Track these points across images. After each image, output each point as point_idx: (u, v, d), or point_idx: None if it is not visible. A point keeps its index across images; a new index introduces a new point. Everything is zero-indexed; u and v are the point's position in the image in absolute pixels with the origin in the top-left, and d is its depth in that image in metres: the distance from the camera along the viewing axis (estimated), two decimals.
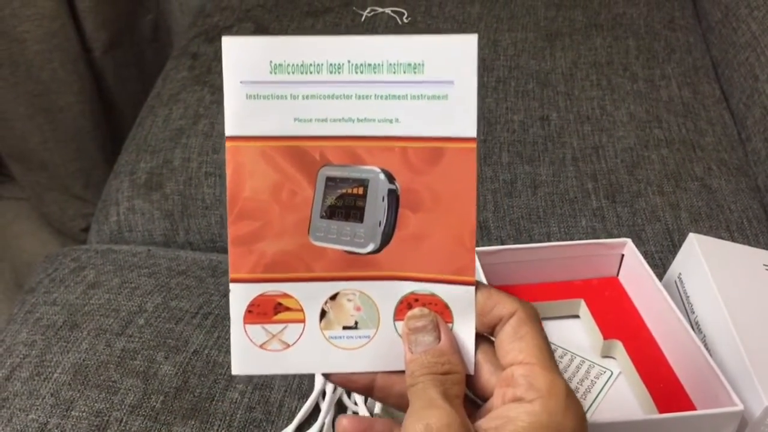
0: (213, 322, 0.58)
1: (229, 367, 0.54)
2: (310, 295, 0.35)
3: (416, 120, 0.35)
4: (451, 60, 0.34)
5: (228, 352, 0.56)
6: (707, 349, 0.49)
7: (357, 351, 0.36)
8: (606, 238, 0.60)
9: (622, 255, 0.59)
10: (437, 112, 0.35)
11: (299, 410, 0.51)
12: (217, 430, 0.50)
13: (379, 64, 0.34)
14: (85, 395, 0.52)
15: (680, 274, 0.58)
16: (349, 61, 0.34)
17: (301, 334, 0.36)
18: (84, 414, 0.50)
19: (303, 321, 0.36)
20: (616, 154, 0.73)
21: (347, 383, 0.37)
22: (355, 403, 0.51)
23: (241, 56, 0.34)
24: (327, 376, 0.37)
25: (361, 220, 0.35)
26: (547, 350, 0.35)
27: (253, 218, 0.35)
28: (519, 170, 0.72)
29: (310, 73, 0.35)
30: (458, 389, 0.35)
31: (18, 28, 1.02)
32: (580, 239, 0.70)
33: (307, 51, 0.35)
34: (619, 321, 0.56)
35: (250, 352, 0.35)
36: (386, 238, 0.35)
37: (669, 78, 0.81)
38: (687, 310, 0.56)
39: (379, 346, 0.36)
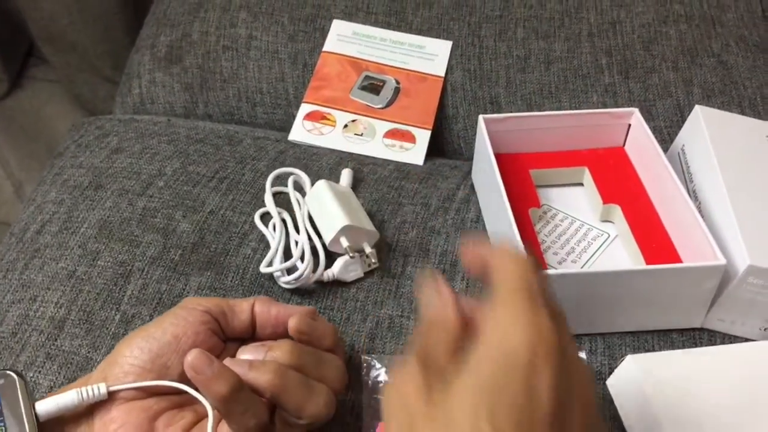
0: (228, 186, 0.61)
1: (242, 225, 0.58)
2: (341, 116, 0.69)
3: (417, 64, 0.72)
4: (436, 45, 0.73)
5: (241, 212, 0.59)
6: (701, 214, 0.51)
7: (360, 145, 0.67)
8: None
9: (629, 125, 0.60)
10: (427, 63, 0.72)
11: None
12: (231, 280, 0.54)
13: (402, 42, 0.73)
14: (109, 247, 0.55)
15: (683, 145, 0.59)
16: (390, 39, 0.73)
17: (331, 131, 0.67)
18: (109, 263, 0.54)
19: (334, 126, 0.67)
20: (633, 30, 0.72)
21: None
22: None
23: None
24: None
25: (378, 94, 0.71)
26: (506, 284, 0.32)
27: (323, 80, 0.71)
28: (533, 46, 0.72)
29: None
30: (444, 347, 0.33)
31: None
32: None
33: None
34: (620, 188, 0.58)
35: (302, 132, 0.67)
36: (389, 104, 0.70)
37: None
38: (686, 180, 0.57)
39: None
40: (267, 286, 0.54)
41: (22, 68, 1.47)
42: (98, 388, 0.40)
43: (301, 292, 0.53)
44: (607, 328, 0.51)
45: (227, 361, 0.39)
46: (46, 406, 0.39)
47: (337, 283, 0.54)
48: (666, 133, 0.67)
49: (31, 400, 0.39)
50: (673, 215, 0.54)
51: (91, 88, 1.30)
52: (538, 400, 0.29)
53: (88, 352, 0.49)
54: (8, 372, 0.40)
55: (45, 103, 1.41)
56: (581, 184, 0.61)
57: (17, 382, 0.39)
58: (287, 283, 0.53)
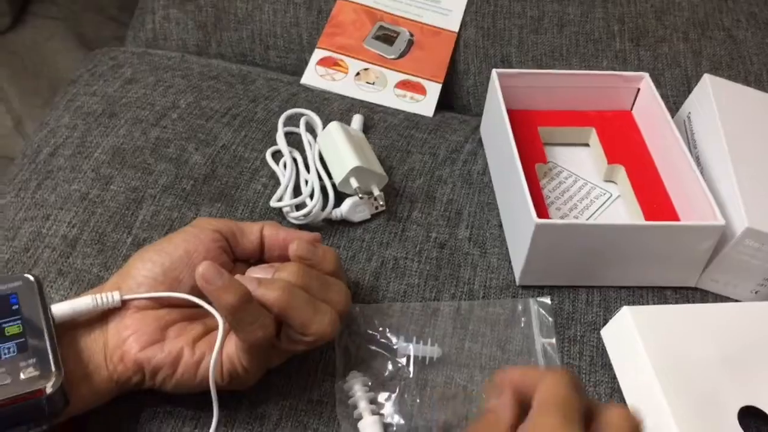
0: (240, 123, 0.61)
1: (253, 161, 0.58)
2: (354, 64, 0.69)
3: (431, 18, 0.72)
4: (451, 1, 0.73)
5: (253, 149, 0.59)
6: (704, 179, 0.52)
7: (371, 93, 0.68)
8: None
9: (638, 89, 0.61)
10: (441, 18, 0.72)
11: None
12: (241, 213, 0.55)
13: None
14: (122, 173, 0.56)
15: (690, 113, 0.60)
16: None
17: (344, 78, 0.68)
18: (121, 189, 0.55)
19: (346, 73, 0.68)
20: None
21: None
22: None
23: None
24: None
25: (392, 44, 0.71)
26: (554, 398, 0.34)
27: (337, 27, 0.72)
28: (548, 8, 0.73)
29: None
30: None
31: None
32: None
33: None
34: (625, 149, 0.59)
35: (315, 77, 0.68)
36: (401, 55, 0.70)
37: None
38: (690, 146, 0.59)
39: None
40: (276, 221, 0.55)
41: (26, 3, 1.46)
42: (113, 296, 0.41)
43: (309, 229, 0.54)
44: (604, 282, 0.53)
45: (237, 278, 0.40)
46: (61, 308, 0.40)
47: (344, 223, 0.56)
48: (672, 102, 0.68)
49: (47, 302, 0.40)
50: (676, 178, 0.55)
51: (94, 27, 1.30)
52: None
53: (100, 271, 0.50)
54: (26, 275, 0.41)
55: (47, 40, 1.40)
56: (587, 145, 0.62)
57: (35, 285, 0.40)
58: (296, 218, 0.54)
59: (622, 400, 0.47)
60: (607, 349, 0.49)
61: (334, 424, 0.45)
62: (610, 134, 0.60)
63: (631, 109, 0.62)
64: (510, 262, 0.54)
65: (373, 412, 0.44)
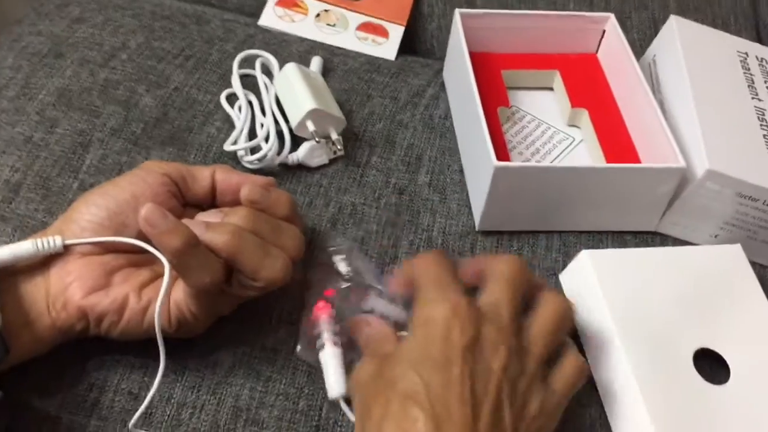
0: (194, 64, 0.59)
1: (207, 104, 0.56)
2: (314, 5, 0.66)
3: None
4: None
5: (207, 91, 0.57)
6: (667, 123, 0.51)
7: (332, 36, 0.65)
8: None
9: (603, 31, 0.60)
10: None
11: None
12: (194, 157, 0.53)
13: None
14: (68, 116, 0.54)
15: (655, 55, 0.59)
16: None
17: (303, 19, 0.65)
18: (68, 132, 0.53)
19: (306, 14, 0.66)
20: None
21: None
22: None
23: None
24: None
25: None
26: (426, 277, 0.40)
27: None
28: None
29: None
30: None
31: None
32: None
33: None
34: (589, 93, 0.58)
35: (273, 18, 0.66)
36: None
37: None
38: (655, 89, 0.58)
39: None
40: (230, 165, 0.53)
41: None
42: (54, 240, 0.39)
43: (265, 174, 0.53)
44: (564, 227, 0.52)
45: (184, 222, 0.38)
46: (0, 253, 0.39)
47: (301, 168, 0.54)
48: (639, 45, 0.67)
49: None
50: (639, 122, 0.54)
51: None
52: (452, 344, 0.36)
53: (44, 217, 0.48)
54: None
55: None
56: (551, 89, 0.61)
57: None
58: (250, 162, 0.52)
59: (579, 343, 0.47)
60: (566, 292, 0.49)
61: (288, 372, 0.44)
62: (575, 77, 0.59)
63: (597, 51, 0.61)
64: (470, 207, 0.53)
65: (335, 344, 0.44)
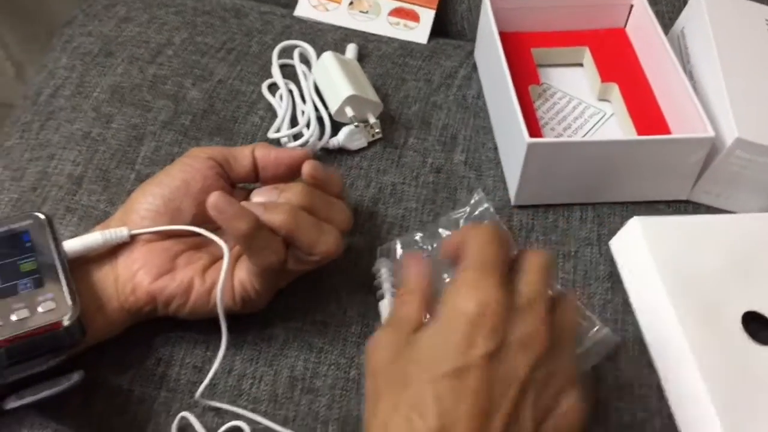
0: (236, 57, 0.62)
1: (250, 94, 0.59)
2: None
3: None
4: None
5: (249, 82, 0.60)
6: (696, 93, 0.52)
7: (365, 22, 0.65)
8: None
9: (631, 6, 0.61)
10: None
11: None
12: (240, 145, 0.56)
13: None
14: (122, 111, 0.57)
15: (683, 27, 0.60)
16: None
17: (337, 8, 0.66)
18: (122, 126, 0.56)
19: (339, 3, 0.68)
20: None
21: None
22: None
23: None
24: None
25: None
26: (471, 258, 0.36)
27: None
28: None
29: None
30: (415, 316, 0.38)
31: None
32: None
33: None
34: (619, 68, 0.59)
35: (308, 8, 0.67)
36: None
37: None
38: (684, 61, 0.59)
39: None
40: None
41: None
42: (120, 231, 0.43)
43: None
44: (598, 199, 0.54)
45: (243, 204, 0.41)
46: (72, 244, 0.42)
47: (341, 151, 0.57)
48: (667, 18, 0.68)
49: (59, 238, 0.42)
50: (669, 93, 0.56)
51: None
52: (474, 348, 0.33)
53: (106, 207, 0.52)
54: (36, 213, 0.42)
55: None
56: (581, 65, 0.62)
57: (45, 223, 0.42)
58: (294, 149, 0.55)
59: (616, 311, 0.49)
60: (615, 259, 0.51)
61: (339, 344, 0.47)
62: (604, 52, 0.61)
63: (625, 26, 0.62)
64: (505, 183, 0.55)
65: (394, 295, 0.47)
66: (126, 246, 0.44)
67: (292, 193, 0.43)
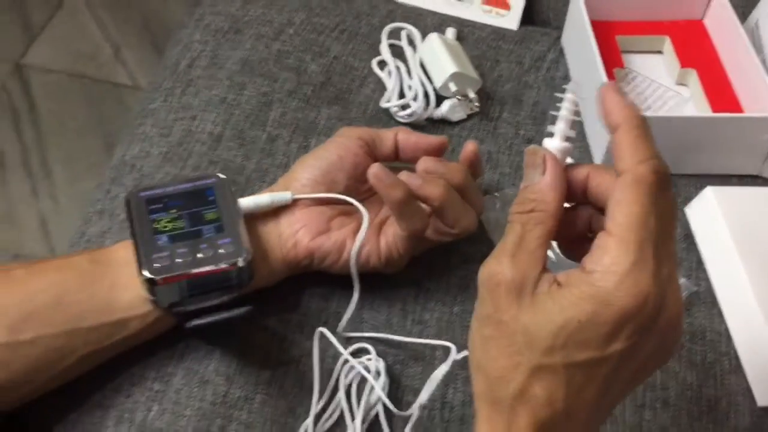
0: (348, 37, 0.69)
1: (362, 70, 0.67)
2: None
3: None
4: None
5: (360, 59, 0.68)
6: None
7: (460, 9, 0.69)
8: None
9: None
10: None
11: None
12: (355, 113, 0.64)
13: None
14: (252, 81, 0.65)
15: (758, 20, 0.66)
16: None
17: None
18: (254, 93, 0.64)
19: None
20: None
21: None
22: None
23: None
24: None
25: None
26: (637, 222, 0.31)
27: None
28: None
29: None
30: (540, 229, 0.33)
31: None
32: None
33: None
34: (697, 55, 0.65)
35: None
36: None
37: None
38: (758, 52, 0.64)
39: None
40: (384, 120, 0.63)
41: None
42: (285, 195, 0.50)
43: (414, 127, 0.63)
44: (675, 170, 0.60)
45: (406, 175, 0.47)
46: (246, 202, 0.50)
47: (443, 122, 0.64)
48: (741, 12, 0.73)
49: (235, 196, 0.49)
50: (744, 80, 0.61)
51: None
52: (610, 347, 0.31)
53: (242, 161, 0.60)
54: (218, 174, 0.50)
55: None
56: (660, 53, 0.68)
57: (225, 182, 0.50)
58: (402, 117, 0.63)
59: (691, 268, 0.55)
60: (690, 224, 0.57)
61: (443, 284, 0.54)
62: (683, 41, 0.67)
63: (703, 18, 0.68)
64: (591, 154, 0.62)
65: (567, 139, 0.36)
66: (287, 208, 0.51)
67: (454, 171, 0.49)
